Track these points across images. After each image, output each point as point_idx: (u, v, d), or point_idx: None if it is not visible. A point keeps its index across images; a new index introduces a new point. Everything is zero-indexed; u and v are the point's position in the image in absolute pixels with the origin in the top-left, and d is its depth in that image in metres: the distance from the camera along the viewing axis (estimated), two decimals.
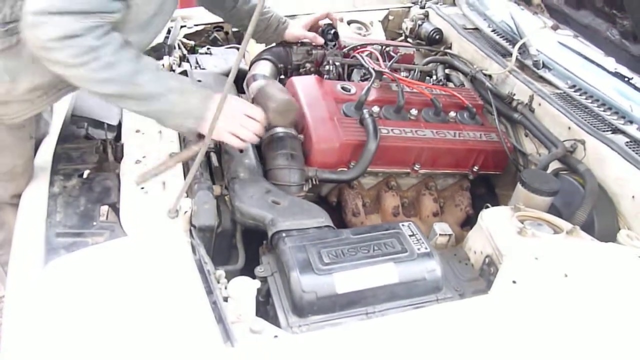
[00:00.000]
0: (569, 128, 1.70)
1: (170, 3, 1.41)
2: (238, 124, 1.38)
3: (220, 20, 2.26)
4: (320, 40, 1.98)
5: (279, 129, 1.58)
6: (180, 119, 1.35)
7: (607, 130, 1.66)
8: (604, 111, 1.75)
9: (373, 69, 1.82)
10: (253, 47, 2.10)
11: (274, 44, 2.00)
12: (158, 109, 1.33)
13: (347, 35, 2.18)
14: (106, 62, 1.24)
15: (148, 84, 1.30)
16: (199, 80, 1.82)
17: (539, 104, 1.83)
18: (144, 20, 1.37)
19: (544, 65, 2.01)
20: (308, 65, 1.99)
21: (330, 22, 2.03)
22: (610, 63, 1.88)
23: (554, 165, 1.67)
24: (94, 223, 1.32)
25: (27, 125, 1.52)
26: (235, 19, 1.92)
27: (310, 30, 1.99)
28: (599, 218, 1.50)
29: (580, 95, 1.84)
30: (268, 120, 1.43)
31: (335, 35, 2.01)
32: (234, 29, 2.33)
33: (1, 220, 1.71)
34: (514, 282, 1.18)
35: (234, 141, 1.39)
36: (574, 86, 1.89)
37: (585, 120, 1.70)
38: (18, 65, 1.35)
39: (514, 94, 1.90)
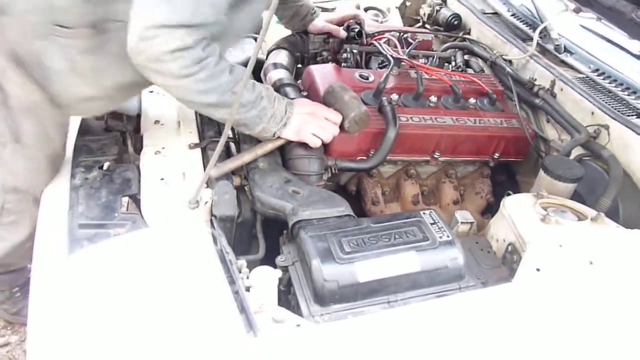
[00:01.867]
0: (592, 113, 1.67)
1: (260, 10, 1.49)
2: (319, 125, 1.47)
3: None
4: (343, 34, 1.97)
5: None
6: (268, 124, 1.41)
7: (632, 115, 1.62)
8: (628, 95, 1.71)
9: (391, 56, 1.80)
10: (270, 36, 2.09)
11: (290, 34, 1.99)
12: (249, 116, 1.38)
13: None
14: (211, 72, 1.28)
15: (244, 93, 1.35)
16: None
17: (561, 89, 1.80)
18: (240, 32, 1.49)
19: (566, 50, 1.97)
20: (325, 53, 1.97)
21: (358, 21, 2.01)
22: (635, 46, 1.84)
23: (577, 151, 1.64)
24: (116, 214, 1.32)
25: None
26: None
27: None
28: (623, 204, 1.47)
29: (603, 79, 1.81)
30: (343, 126, 1.50)
31: (359, 33, 1.98)
32: None
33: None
34: (537, 269, 1.17)
35: (314, 141, 1.46)
36: (597, 70, 1.86)
37: (609, 104, 1.66)
38: (104, 64, 1.41)
39: (535, 79, 1.87)
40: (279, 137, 1.46)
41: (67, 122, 1.61)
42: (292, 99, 1.55)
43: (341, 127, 1.51)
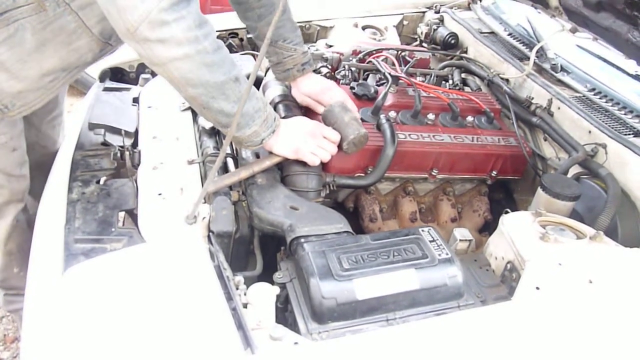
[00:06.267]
0: (590, 132, 1.68)
1: None
2: (316, 144, 1.46)
3: (235, 26, 2.28)
4: (320, 110, 1.64)
5: None
6: (260, 127, 1.36)
7: (629, 134, 1.63)
8: (625, 114, 1.73)
9: (389, 73, 1.81)
10: None
11: None
12: (246, 110, 1.32)
13: (362, 41, 2.17)
14: (215, 44, 1.22)
15: (242, 84, 1.29)
16: None
17: (558, 108, 1.81)
18: None
19: (562, 69, 1.99)
20: (324, 70, 1.98)
21: None
22: (631, 65, 1.85)
23: (575, 169, 1.64)
24: (113, 229, 1.31)
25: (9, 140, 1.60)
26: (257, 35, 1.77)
27: None
28: (622, 223, 1.47)
29: (600, 98, 1.82)
30: (341, 147, 1.50)
31: None
32: (249, 36, 2.33)
33: None
34: (537, 288, 1.16)
35: (312, 160, 1.45)
36: (594, 89, 1.87)
37: (606, 123, 1.67)
38: (23, 54, 1.39)
39: (532, 98, 1.88)
40: (276, 155, 1.46)
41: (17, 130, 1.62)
42: (290, 116, 1.55)
43: (339, 147, 1.50)
